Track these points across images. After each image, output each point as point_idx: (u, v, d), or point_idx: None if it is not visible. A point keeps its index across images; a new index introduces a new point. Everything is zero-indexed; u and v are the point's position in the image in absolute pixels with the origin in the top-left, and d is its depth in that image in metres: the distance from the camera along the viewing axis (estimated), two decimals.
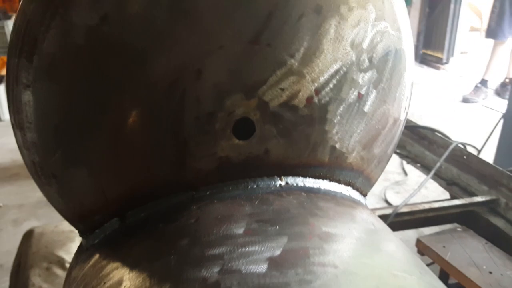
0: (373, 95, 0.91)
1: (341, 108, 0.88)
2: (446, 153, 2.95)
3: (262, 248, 0.68)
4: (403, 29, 0.93)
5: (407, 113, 1.03)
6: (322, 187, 0.92)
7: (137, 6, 0.75)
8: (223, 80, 0.79)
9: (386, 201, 4.03)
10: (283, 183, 0.88)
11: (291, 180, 0.89)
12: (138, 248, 0.78)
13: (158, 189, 0.85)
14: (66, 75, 0.77)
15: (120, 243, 0.83)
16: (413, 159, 3.38)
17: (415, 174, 4.22)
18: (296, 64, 0.81)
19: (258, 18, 0.78)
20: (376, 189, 4.23)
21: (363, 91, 0.89)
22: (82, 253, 0.92)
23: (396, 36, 0.91)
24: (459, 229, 2.52)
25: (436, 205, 2.58)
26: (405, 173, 4.50)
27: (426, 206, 2.57)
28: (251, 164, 0.85)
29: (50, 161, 0.83)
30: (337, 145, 0.91)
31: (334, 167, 0.93)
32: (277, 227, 0.73)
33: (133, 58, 0.76)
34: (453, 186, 2.93)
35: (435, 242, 2.37)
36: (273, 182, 0.87)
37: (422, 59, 8.84)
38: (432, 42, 8.73)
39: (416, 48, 8.80)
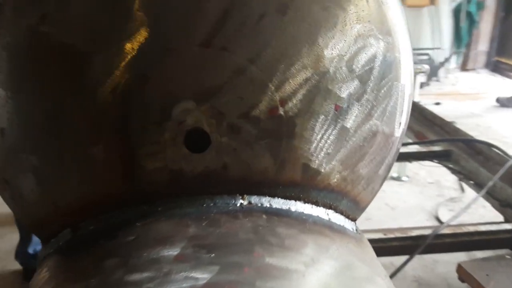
0: (355, 109, 0.80)
1: (314, 122, 0.77)
2: (502, 171, 2.69)
3: (185, 278, 0.60)
4: (396, 33, 0.81)
5: (403, 129, 0.90)
6: (293, 209, 0.82)
7: (79, 6, 0.69)
8: (172, 85, 0.72)
9: (438, 219, 3.76)
10: (245, 202, 0.79)
11: (255, 199, 0.80)
12: (74, 265, 0.72)
13: (110, 201, 0.79)
14: (9, 76, 0.73)
15: (64, 257, 0.78)
16: (466, 176, 3.14)
17: (473, 191, 3.92)
18: (256, 70, 0.72)
19: (211, 18, 0.70)
20: (428, 204, 3.97)
21: (341, 104, 0.78)
22: (40, 263, 0.88)
23: (384, 41, 0.79)
24: (508, 257, 2.28)
25: (483, 228, 2.35)
26: (462, 189, 4.18)
27: (472, 229, 2.35)
28: (209, 179, 0.77)
29: (1, 165, 0.79)
30: (311, 163, 0.80)
31: (309, 187, 0.83)
32: (213, 255, 0.64)
33: (74, 61, 0.70)
34: (507, 208, 2.67)
35: (477, 269, 2.16)
36: (233, 201, 0.79)
37: (495, 67, 8.26)
38: (507, 48, 8.14)
39: (489, 54, 8.26)
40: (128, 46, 0.70)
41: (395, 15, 0.81)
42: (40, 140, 0.76)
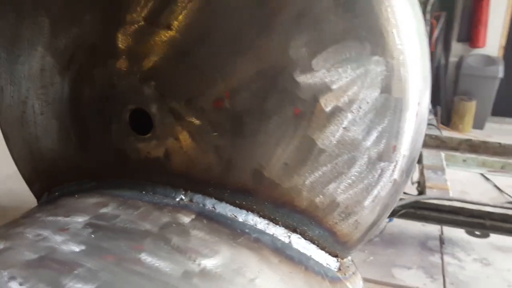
0: (323, 116, 0.67)
1: (266, 124, 0.67)
2: None
3: (50, 246, 0.58)
4: (389, 33, 0.66)
5: (404, 156, 0.72)
6: (240, 219, 0.73)
7: None
8: (117, 59, 0.70)
9: None
10: (186, 198, 0.73)
11: (198, 198, 0.73)
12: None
13: (71, 173, 0.81)
14: None
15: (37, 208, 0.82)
16: None
17: None
18: (201, 56, 0.66)
19: None
20: None
21: (303, 108, 0.66)
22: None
23: (370, 42, 0.65)
24: None
25: None
26: None
27: None
28: (152, 166, 0.73)
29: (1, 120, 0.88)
30: (264, 171, 0.70)
31: (263, 199, 0.72)
32: (93, 235, 0.61)
33: (42, 28, 0.74)
34: None
35: None
36: (173, 194, 0.73)
37: None
38: None
39: None
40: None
41: (394, 12, 0.65)
42: (8, 105, 0.82)
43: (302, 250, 0.75)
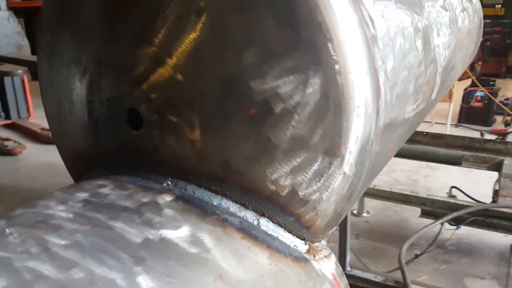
0: (273, 116, 0.79)
1: (228, 122, 0.81)
2: None
3: (44, 215, 0.76)
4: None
5: (351, 151, 0.81)
6: (214, 202, 0.87)
7: None
8: (115, 69, 0.88)
9: None
10: (172, 184, 0.89)
11: (181, 184, 0.88)
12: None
13: (92, 161, 1.01)
14: None
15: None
16: None
17: None
18: (175, 68, 0.81)
19: (144, 18, 0.83)
20: None
21: (256, 109, 0.79)
22: None
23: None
24: None
25: None
26: None
27: None
28: (145, 157, 0.90)
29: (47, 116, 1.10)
30: (231, 162, 0.83)
31: (233, 186, 0.86)
32: (85, 207, 0.78)
33: (67, 44, 0.94)
34: None
35: None
36: (162, 180, 0.89)
37: None
38: None
39: None
40: None
41: (328, 28, 0.75)
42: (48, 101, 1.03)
43: (269, 232, 0.87)
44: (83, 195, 0.83)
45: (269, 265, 0.81)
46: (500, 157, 3.28)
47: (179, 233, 0.77)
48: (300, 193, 0.84)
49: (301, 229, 0.89)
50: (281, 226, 0.88)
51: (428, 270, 3.31)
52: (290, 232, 0.89)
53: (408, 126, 1.11)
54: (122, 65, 0.87)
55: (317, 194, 0.84)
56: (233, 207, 0.87)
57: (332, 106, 0.77)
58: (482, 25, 2.45)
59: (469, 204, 2.79)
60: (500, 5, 11.95)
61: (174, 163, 0.88)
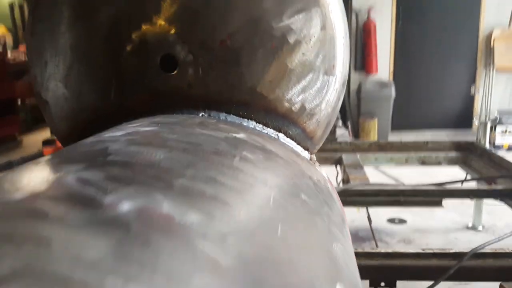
0: (289, 48, 1.06)
1: (255, 54, 1.05)
2: None
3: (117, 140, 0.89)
4: None
5: (340, 71, 1.13)
6: (245, 124, 1.08)
7: None
8: (148, 21, 1.05)
9: None
10: (206, 114, 1.07)
11: (214, 114, 1.08)
12: None
13: (111, 116, 1.12)
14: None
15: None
16: None
17: None
18: (207, 13, 1.03)
19: None
20: None
21: (276, 43, 1.05)
22: None
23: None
24: None
25: None
26: None
27: None
28: (177, 95, 1.07)
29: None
30: (257, 88, 1.07)
31: (257, 109, 1.09)
32: (159, 125, 0.93)
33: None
34: None
35: None
36: (196, 112, 1.07)
37: None
38: None
39: None
40: None
41: None
42: (60, 54, 1.12)
43: (287, 143, 1.12)
44: (151, 127, 0.97)
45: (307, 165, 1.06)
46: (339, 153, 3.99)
47: (242, 135, 0.97)
48: (308, 107, 1.11)
49: (306, 140, 1.16)
50: (293, 139, 1.14)
51: None
52: (299, 143, 1.15)
53: None
54: (155, 16, 1.04)
55: (319, 107, 1.13)
56: (258, 127, 1.10)
57: (328, 37, 1.09)
58: None
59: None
60: None
61: (207, 96, 1.07)
